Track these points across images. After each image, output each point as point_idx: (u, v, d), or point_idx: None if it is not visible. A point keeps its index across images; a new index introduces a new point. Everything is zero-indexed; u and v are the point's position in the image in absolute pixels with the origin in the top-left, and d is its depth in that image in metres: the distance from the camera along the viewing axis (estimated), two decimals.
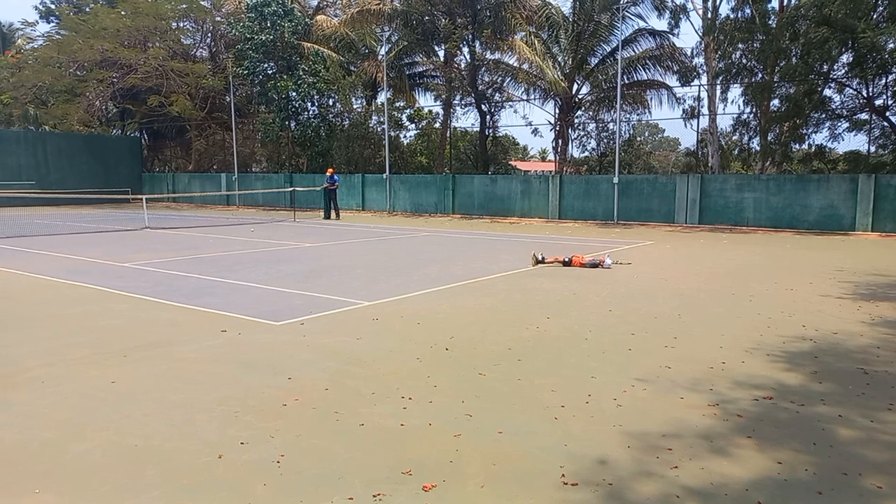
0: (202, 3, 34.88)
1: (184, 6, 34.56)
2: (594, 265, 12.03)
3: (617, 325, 7.36)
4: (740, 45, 23.04)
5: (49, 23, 41.70)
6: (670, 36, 26.27)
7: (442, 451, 3.97)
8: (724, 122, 38.18)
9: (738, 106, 25.90)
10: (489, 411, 4.64)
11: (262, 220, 23.81)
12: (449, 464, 3.79)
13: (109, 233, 18.46)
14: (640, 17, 26.60)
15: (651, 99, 28.18)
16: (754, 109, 25.09)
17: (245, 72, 31.45)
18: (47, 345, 6.35)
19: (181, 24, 36.20)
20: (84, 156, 34.86)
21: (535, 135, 31.19)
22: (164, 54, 33.30)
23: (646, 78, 27.58)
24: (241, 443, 4.05)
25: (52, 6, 41.77)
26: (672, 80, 27.17)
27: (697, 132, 28.04)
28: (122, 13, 33.95)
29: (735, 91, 26.83)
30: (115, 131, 41.30)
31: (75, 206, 30.73)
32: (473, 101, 30.44)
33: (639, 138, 38.44)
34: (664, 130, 66.19)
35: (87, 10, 37.91)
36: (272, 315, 7.59)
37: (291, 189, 27.90)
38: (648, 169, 33.81)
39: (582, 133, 29.66)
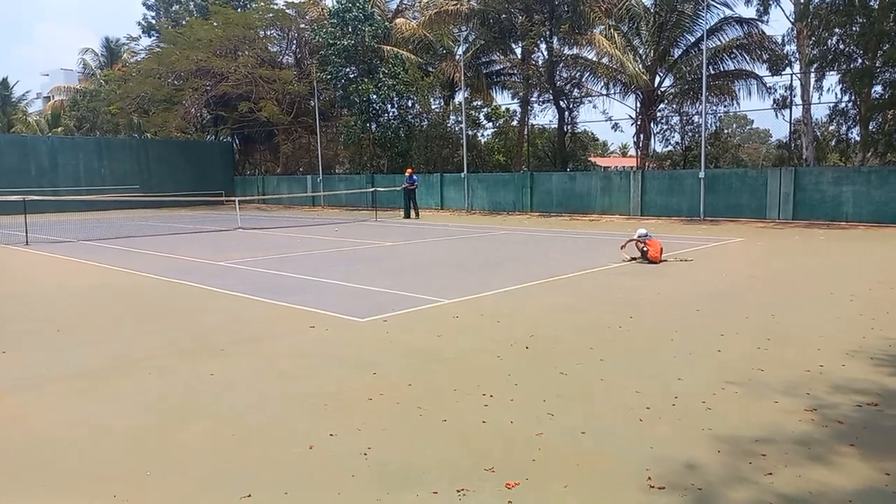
0: (287, 11, 36.16)
1: (270, 15, 35.97)
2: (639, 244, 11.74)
3: (704, 326, 7.09)
4: (837, 30, 21.60)
5: (150, 37, 44.47)
6: (759, 23, 24.97)
7: (524, 449, 3.96)
8: (820, 112, 36.02)
9: (835, 94, 24.25)
10: (571, 411, 4.59)
11: (346, 220, 24.45)
12: (531, 462, 3.78)
13: (205, 233, 19.49)
14: (725, 4, 25.32)
15: (739, 89, 26.91)
16: (853, 97, 23.48)
17: (328, 76, 32.39)
18: (153, 339, 6.79)
19: (268, 33, 37.66)
20: (181, 161, 37.00)
21: (616, 130, 30.53)
22: (253, 62, 34.75)
23: (733, 68, 26.35)
24: (331, 434, 4.19)
25: (153, 21, 44.48)
26: (762, 70, 25.82)
27: (790, 123, 26.54)
28: (215, 24, 35.70)
29: (831, 79, 25.25)
30: (209, 137, 43.51)
31: (174, 209, 32.61)
32: (551, 97, 30.07)
33: (726, 131, 36.75)
34: (753, 122, 62.93)
35: (184, 23, 40.12)
36: (356, 312, 7.79)
37: (373, 189, 28.49)
38: (737, 162, 32.34)
39: (665, 127, 28.76)
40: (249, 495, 3.43)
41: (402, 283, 9.94)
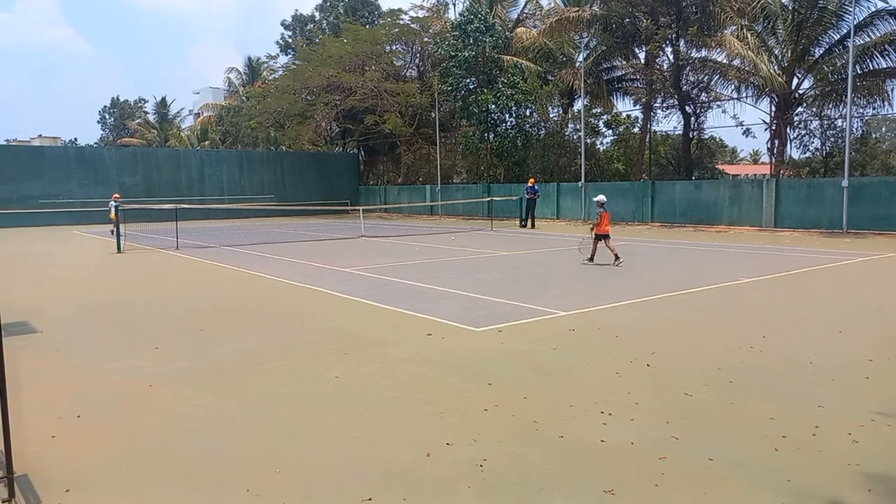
0: (412, 25, 37.27)
1: (396, 30, 37.26)
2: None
3: (849, 349, 6.45)
4: None
5: (287, 55, 47.51)
6: None
7: (646, 472, 3.77)
8: None
9: None
10: (697, 435, 4.31)
11: (462, 229, 24.72)
12: (654, 487, 3.59)
13: (332, 240, 20.45)
14: None
15: (892, 90, 24.33)
16: None
17: (449, 88, 32.98)
18: (283, 340, 7.19)
19: (394, 47, 39.00)
20: (312, 172, 39.15)
21: (747, 136, 28.35)
22: (379, 76, 36.11)
23: (885, 66, 23.88)
24: (447, 443, 4.22)
25: (290, 40, 47.50)
26: None
27: None
28: (345, 41, 37.49)
29: None
30: (337, 149, 45.70)
31: (304, 217, 34.53)
32: (676, 102, 28.78)
33: (874, 135, 33.40)
34: None
35: (317, 40, 42.53)
36: (472, 321, 7.82)
37: (489, 199, 28.61)
38: (887, 170, 29.29)
39: (803, 132, 26.62)
40: (370, 499, 3.52)
41: (517, 293, 9.86)
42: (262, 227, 27.09)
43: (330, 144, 45.01)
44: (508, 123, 32.96)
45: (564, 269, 12.76)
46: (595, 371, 5.81)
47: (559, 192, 29.28)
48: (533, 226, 24.97)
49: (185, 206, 24.52)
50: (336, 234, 22.86)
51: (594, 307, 8.61)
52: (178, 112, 67.81)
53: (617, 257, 12.74)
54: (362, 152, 44.49)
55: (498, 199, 28.55)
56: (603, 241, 13.00)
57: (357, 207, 28.67)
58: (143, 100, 75.08)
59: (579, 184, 28.31)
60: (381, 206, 37.04)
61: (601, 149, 34.62)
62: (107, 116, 77.53)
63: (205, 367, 6.11)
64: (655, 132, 32.86)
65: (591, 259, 13.13)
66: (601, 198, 13.37)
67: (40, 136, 72.67)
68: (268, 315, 8.64)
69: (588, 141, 31.28)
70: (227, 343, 7.06)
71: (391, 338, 7.16)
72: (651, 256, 14.91)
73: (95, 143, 71.27)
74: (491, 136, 33.18)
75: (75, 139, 75.76)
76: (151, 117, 67.95)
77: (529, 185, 25.57)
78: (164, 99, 65.79)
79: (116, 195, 24.62)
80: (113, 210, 23.30)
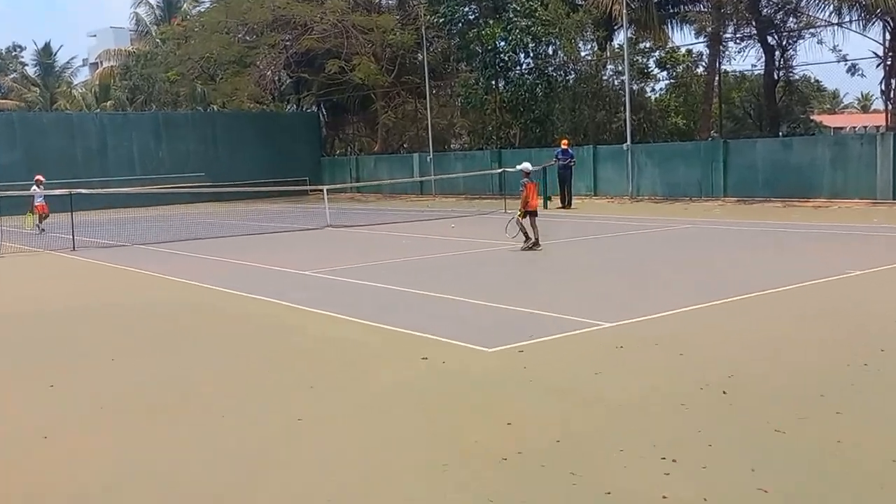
0: None
1: None
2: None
3: None
4: None
5: None
6: None
7: None
8: None
9: None
10: (795, 487, 4.37)
11: (465, 213, 24.80)
12: None
13: (286, 233, 20.51)
14: None
15: None
16: None
17: (441, 20, 32.96)
18: (227, 370, 7.23)
19: None
20: (256, 139, 38.99)
21: (853, 74, 28.33)
22: (344, 6, 35.91)
23: None
24: None
25: None
26: None
27: None
28: None
29: None
30: (289, 107, 45.68)
31: (247, 201, 34.49)
32: (754, 32, 28.83)
33: None
34: None
35: None
36: (482, 338, 7.87)
37: (500, 170, 28.54)
38: None
39: None
40: None
41: (542, 298, 9.92)
42: (190, 216, 27.10)
43: (279, 101, 44.99)
44: (524, 66, 32.95)
45: (610, 264, 12.82)
46: (653, 402, 5.87)
47: (596, 159, 29.29)
48: (569, 204, 25.04)
49: (83, 189, 24.40)
50: (292, 223, 22.89)
51: (648, 315, 8.67)
52: (69, 62, 67.71)
53: (535, 241, 13.85)
54: (324, 111, 44.52)
55: (512, 170, 28.53)
56: (530, 217, 14.07)
57: (319, 187, 28.67)
58: (20, 46, 74.89)
59: (624, 146, 28.34)
60: (352, 185, 37.10)
61: (653, 98, 34.70)
62: None
63: (118, 408, 6.15)
64: (727, 73, 32.94)
65: (536, 243, 13.94)
66: (525, 165, 14.80)
67: None
68: (202, 337, 8.68)
69: (634, 87, 31.34)
70: (150, 376, 7.10)
71: (372, 364, 7.21)
72: (725, 243, 14.97)
73: None
74: (501, 85, 33.18)
75: None
76: (31, 70, 67.79)
77: (562, 148, 25.56)
78: (48, 45, 65.68)
79: (39, 177, 24.18)
80: (38, 199, 22.74)
